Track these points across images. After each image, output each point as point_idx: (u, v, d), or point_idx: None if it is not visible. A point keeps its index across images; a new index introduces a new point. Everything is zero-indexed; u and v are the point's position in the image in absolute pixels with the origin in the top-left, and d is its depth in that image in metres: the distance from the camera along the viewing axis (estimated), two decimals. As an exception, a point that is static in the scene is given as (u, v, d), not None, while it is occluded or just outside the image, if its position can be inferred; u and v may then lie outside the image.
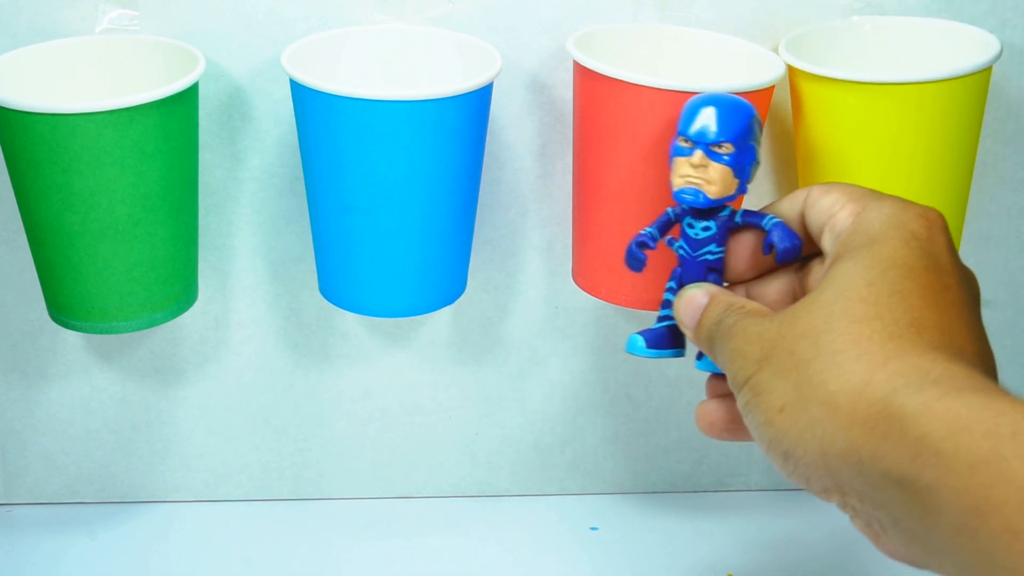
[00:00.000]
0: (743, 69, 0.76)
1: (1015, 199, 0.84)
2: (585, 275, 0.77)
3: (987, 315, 0.87)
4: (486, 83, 0.71)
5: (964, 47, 0.76)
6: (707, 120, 0.58)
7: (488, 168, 0.80)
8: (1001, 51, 0.74)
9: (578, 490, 0.90)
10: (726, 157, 0.57)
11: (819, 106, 0.74)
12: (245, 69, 0.78)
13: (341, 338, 0.85)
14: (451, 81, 0.75)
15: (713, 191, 0.57)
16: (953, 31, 0.78)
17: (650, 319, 0.86)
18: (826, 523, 0.87)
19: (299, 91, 0.71)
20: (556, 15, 0.78)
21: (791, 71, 0.75)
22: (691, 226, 0.58)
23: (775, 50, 0.76)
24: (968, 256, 0.84)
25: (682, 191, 0.57)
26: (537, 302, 0.85)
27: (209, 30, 0.77)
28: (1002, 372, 0.89)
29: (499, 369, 0.86)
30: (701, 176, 0.57)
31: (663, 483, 0.90)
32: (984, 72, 0.73)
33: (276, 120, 0.79)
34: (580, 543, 0.85)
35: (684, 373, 0.87)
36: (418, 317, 0.84)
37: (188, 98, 0.71)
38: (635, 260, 0.60)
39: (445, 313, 0.85)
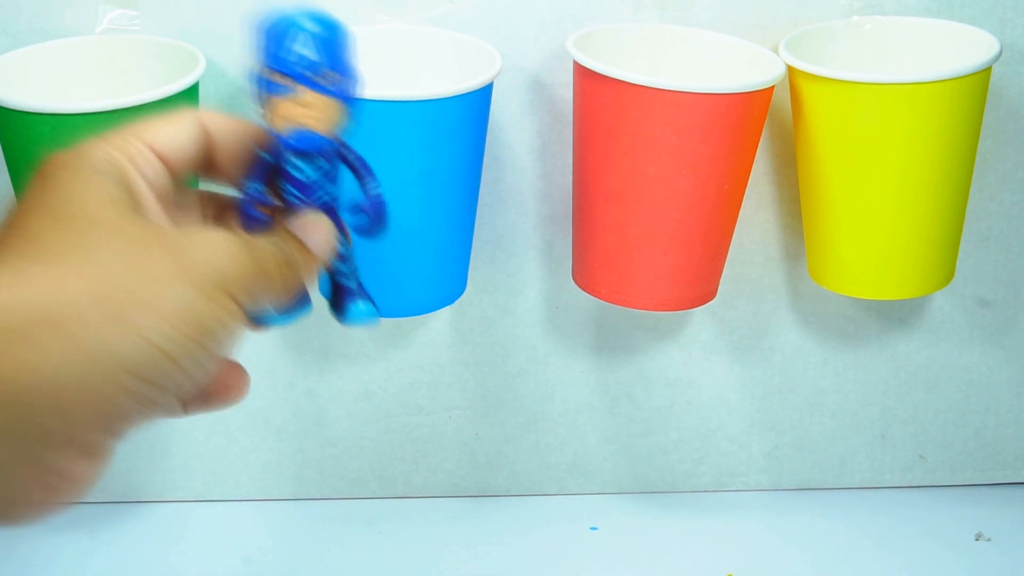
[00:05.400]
0: (743, 69, 0.76)
1: (1015, 199, 0.85)
2: (585, 275, 0.77)
3: (987, 315, 0.88)
4: (486, 83, 0.71)
5: (964, 47, 0.76)
6: (304, 48, 0.47)
7: (488, 168, 0.80)
8: (1001, 51, 0.74)
9: (578, 490, 0.90)
10: (333, 87, 0.47)
11: (819, 106, 0.74)
12: (245, 69, 0.78)
13: (341, 338, 0.85)
14: (451, 81, 0.75)
15: (327, 128, 0.47)
16: (953, 31, 0.78)
17: (649, 319, 0.86)
18: (826, 523, 0.87)
19: (299, 91, 0.71)
20: (556, 15, 0.78)
21: (791, 71, 0.75)
22: (298, 168, 0.48)
23: (775, 50, 0.76)
24: (968, 256, 0.84)
25: (293, 136, 0.47)
26: (537, 302, 0.85)
27: (209, 30, 0.77)
28: (1002, 371, 0.89)
29: (499, 369, 0.86)
30: (311, 115, 0.47)
31: (663, 483, 0.90)
32: (984, 72, 0.73)
33: (276, 120, 0.79)
34: (580, 543, 0.85)
35: (684, 373, 0.87)
36: (418, 317, 0.84)
37: (188, 98, 0.71)
38: (257, 222, 0.49)
39: (445, 313, 0.85)
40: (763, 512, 0.88)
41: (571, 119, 0.77)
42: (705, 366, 0.87)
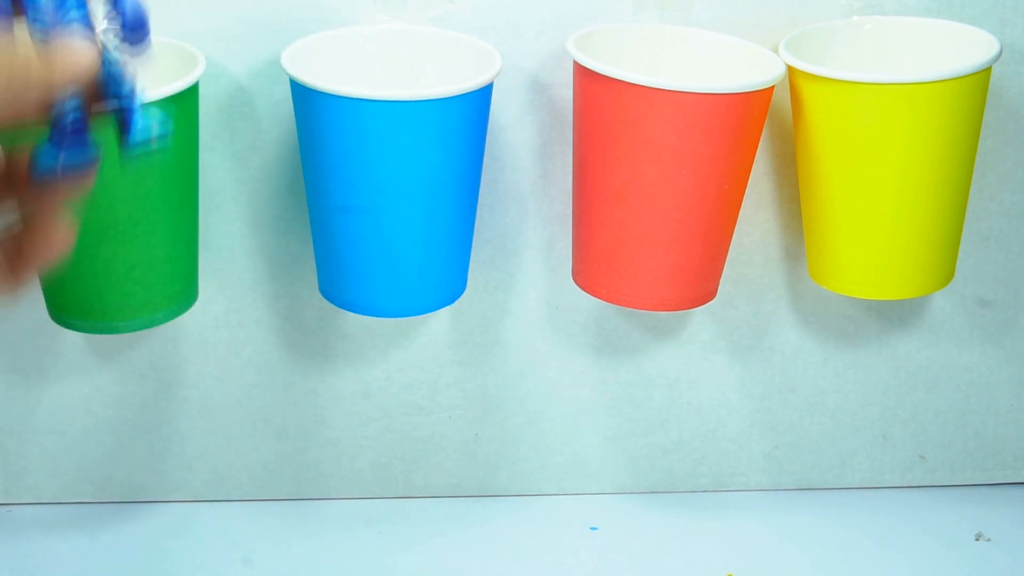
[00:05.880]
0: (743, 69, 0.76)
1: (1015, 199, 0.85)
2: (585, 275, 0.77)
3: (987, 315, 0.88)
4: (486, 83, 0.71)
5: (964, 47, 0.76)
6: None
7: (488, 168, 0.80)
8: (1001, 51, 0.74)
9: (578, 490, 0.90)
10: None
11: (819, 106, 0.74)
12: (245, 69, 0.78)
13: (341, 338, 0.85)
14: (451, 81, 0.75)
15: None
16: (953, 31, 0.78)
17: (649, 319, 0.86)
18: (826, 523, 0.87)
19: (299, 91, 0.71)
20: (556, 15, 0.78)
21: (791, 71, 0.75)
22: None
23: (775, 50, 0.76)
24: (968, 256, 0.84)
25: None
26: (537, 302, 0.85)
27: (209, 30, 0.77)
28: (1002, 371, 0.89)
29: (499, 369, 0.86)
30: None
31: (663, 483, 0.90)
32: (984, 72, 0.73)
33: (276, 120, 0.79)
34: (580, 543, 0.85)
35: (684, 373, 0.87)
36: (418, 317, 0.84)
37: (188, 98, 0.71)
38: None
39: (445, 313, 0.85)
40: (763, 512, 0.88)
41: (571, 119, 0.77)
42: (705, 366, 0.87)
